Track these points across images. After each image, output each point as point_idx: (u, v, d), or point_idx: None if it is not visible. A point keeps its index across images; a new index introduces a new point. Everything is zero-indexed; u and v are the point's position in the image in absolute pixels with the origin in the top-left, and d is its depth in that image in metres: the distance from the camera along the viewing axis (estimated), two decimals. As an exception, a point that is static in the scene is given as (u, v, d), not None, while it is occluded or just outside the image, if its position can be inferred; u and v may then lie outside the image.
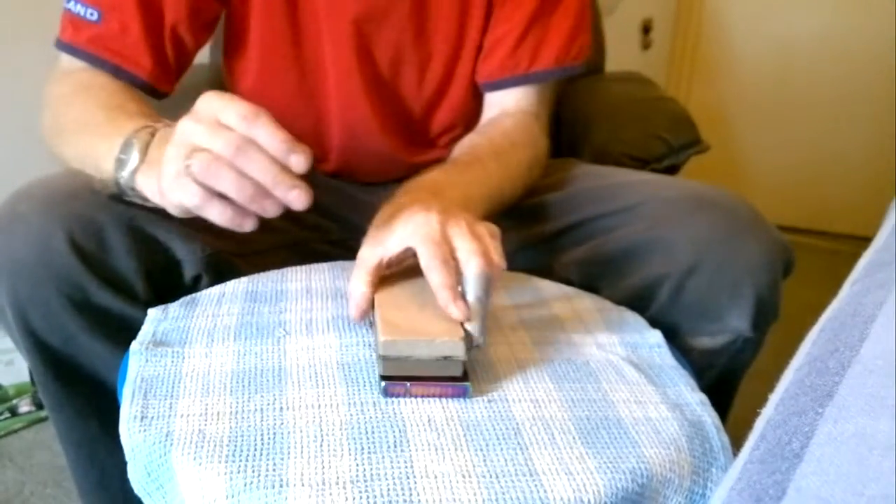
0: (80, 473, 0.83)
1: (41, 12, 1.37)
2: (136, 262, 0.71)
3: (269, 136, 0.53)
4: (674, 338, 0.75)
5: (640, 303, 0.77)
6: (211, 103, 0.55)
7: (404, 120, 0.94)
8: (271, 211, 0.56)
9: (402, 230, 0.61)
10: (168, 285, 0.75)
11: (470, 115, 0.95)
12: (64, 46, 0.80)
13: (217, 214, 0.56)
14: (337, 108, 0.91)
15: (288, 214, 0.88)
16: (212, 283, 0.77)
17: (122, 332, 0.71)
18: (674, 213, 0.78)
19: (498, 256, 0.60)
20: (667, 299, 0.76)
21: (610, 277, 0.81)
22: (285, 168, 0.54)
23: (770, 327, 0.79)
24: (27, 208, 0.69)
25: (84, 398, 0.76)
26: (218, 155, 0.53)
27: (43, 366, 0.73)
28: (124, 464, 0.54)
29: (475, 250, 0.58)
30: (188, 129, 0.55)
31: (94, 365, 0.74)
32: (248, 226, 0.57)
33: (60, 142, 0.75)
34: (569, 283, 0.82)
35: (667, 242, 0.76)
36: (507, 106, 0.91)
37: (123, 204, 0.71)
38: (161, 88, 0.83)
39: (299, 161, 0.54)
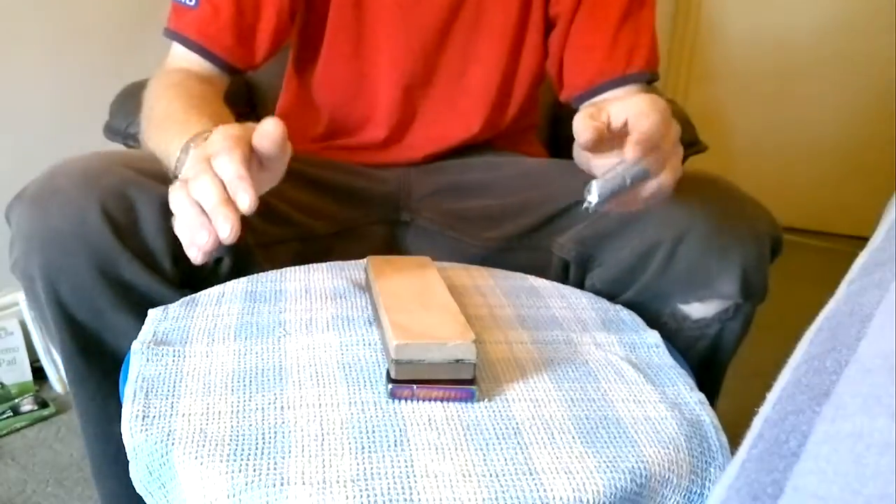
0: (96, 450, 0.84)
1: (41, 13, 1.38)
2: (165, 241, 0.73)
3: (226, 166, 0.55)
4: (666, 305, 0.79)
5: (633, 272, 0.80)
6: (211, 136, 0.58)
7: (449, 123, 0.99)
8: (202, 239, 0.55)
9: (650, 108, 0.61)
10: (193, 266, 0.77)
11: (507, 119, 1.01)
12: (167, 33, 0.89)
13: (178, 232, 0.58)
14: (386, 102, 0.97)
15: (303, 207, 0.90)
16: (233, 267, 0.80)
17: (147, 310, 0.72)
18: None
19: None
20: (659, 266, 0.79)
21: (607, 251, 0.84)
22: (230, 203, 0.54)
23: (759, 301, 0.81)
24: (64, 182, 0.72)
25: (106, 373, 0.78)
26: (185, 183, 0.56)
27: (69, 338, 0.75)
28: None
29: (669, 167, 0.63)
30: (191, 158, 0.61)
31: (117, 341, 0.75)
32: (198, 258, 0.56)
33: (146, 135, 0.79)
34: (566, 263, 0.85)
35: (660, 212, 0.78)
36: None
37: (155, 182, 0.73)
38: (245, 69, 0.90)
39: (244, 199, 0.54)
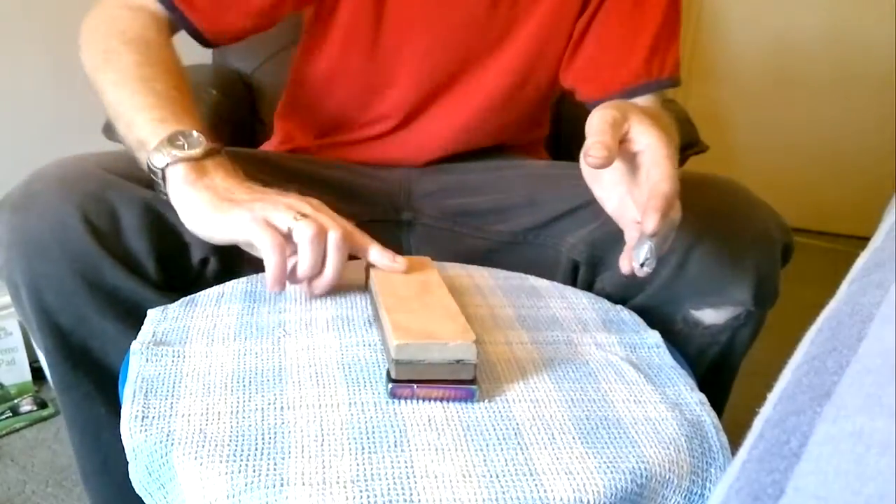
0: (84, 457, 0.83)
1: (41, 13, 1.38)
2: (148, 244, 0.73)
3: (342, 246, 0.65)
4: (678, 310, 0.78)
5: (644, 277, 0.78)
6: (324, 207, 0.68)
7: (464, 122, 0.98)
8: (326, 280, 0.67)
9: (656, 145, 0.61)
10: (178, 269, 0.76)
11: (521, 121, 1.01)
12: None
13: (270, 261, 0.63)
14: (399, 97, 0.96)
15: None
16: (219, 267, 0.78)
17: (133, 315, 0.72)
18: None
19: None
20: (671, 272, 0.78)
21: (617, 254, 0.82)
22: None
23: (770, 306, 0.81)
24: (42, 187, 0.71)
25: (92, 380, 0.77)
26: (322, 231, 0.64)
27: (54, 346, 0.74)
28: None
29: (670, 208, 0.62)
30: (296, 202, 0.67)
31: (103, 347, 0.75)
32: (278, 288, 0.64)
33: (99, 79, 0.75)
34: (575, 264, 0.84)
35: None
36: None
37: (134, 184, 0.73)
38: (208, 37, 0.84)
39: (328, 274, 0.66)
